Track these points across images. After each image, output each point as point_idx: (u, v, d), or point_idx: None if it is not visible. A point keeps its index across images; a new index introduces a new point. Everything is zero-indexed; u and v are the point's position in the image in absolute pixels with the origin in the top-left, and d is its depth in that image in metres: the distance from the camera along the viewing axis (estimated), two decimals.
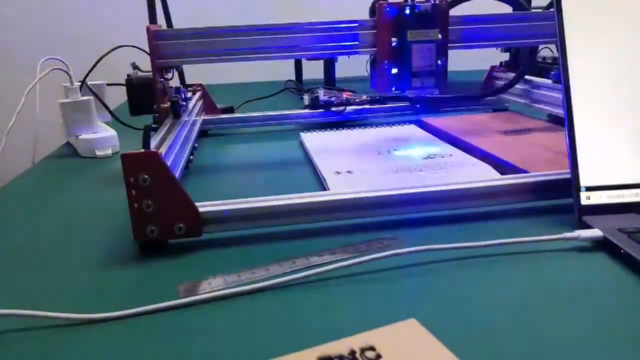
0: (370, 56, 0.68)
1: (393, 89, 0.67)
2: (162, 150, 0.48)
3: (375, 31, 0.65)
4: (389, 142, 0.74)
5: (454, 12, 0.67)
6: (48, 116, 0.85)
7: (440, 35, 0.64)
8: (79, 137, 0.77)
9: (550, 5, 0.86)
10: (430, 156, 0.65)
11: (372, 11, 0.66)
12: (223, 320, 0.34)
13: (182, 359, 0.31)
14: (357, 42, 0.65)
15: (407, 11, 0.64)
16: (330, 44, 0.65)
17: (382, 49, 0.65)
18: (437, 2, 0.64)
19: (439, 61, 0.65)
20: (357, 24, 0.65)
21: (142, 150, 0.42)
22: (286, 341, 0.32)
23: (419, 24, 0.64)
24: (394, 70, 0.66)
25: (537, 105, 0.84)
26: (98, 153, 0.76)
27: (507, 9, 0.75)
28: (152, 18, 0.64)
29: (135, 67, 0.69)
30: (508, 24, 0.68)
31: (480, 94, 0.89)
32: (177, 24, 0.73)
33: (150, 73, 0.63)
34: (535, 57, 0.98)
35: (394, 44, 0.65)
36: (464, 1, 0.69)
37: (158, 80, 0.63)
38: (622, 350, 0.30)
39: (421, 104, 0.88)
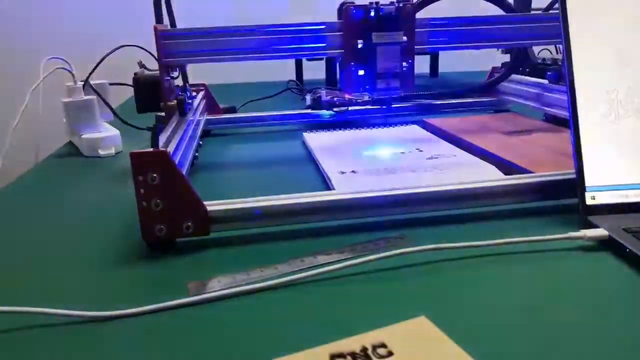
0: (340, 58, 0.69)
1: (361, 90, 0.69)
2: (170, 149, 0.48)
3: (342, 33, 0.66)
4: (392, 142, 0.75)
5: (452, 13, 0.68)
6: (51, 115, 0.85)
7: (405, 37, 0.65)
8: (82, 136, 0.77)
9: (549, 7, 0.87)
10: (434, 156, 0.65)
11: (340, 12, 0.67)
12: (234, 317, 0.34)
13: (193, 355, 0.31)
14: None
15: (372, 14, 0.65)
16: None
17: (348, 51, 0.66)
18: (401, 5, 0.65)
19: (404, 63, 0.66)
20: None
21: (151, 149, 0.43)
22: (297, 339, 0.32)
23: (383, 27, 0.65)
24: (361, 72, 0.67)
25: (536, 106, 0.84)
26: (101, 152, 0.76)
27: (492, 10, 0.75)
28: (158, 17, 0.65)
29: (142, 65, 0.69)
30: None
31: (464, 90, 0.90)
32: (180, 24, 0.73)
33: (157, 72, 0.64)
34: (523, 56, 0.98)
35: (359, 46, 0.66)
36: (434, 2, 0.69)
37: (165, 78, 0.63)
38: (628, 350, 0.30)
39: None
